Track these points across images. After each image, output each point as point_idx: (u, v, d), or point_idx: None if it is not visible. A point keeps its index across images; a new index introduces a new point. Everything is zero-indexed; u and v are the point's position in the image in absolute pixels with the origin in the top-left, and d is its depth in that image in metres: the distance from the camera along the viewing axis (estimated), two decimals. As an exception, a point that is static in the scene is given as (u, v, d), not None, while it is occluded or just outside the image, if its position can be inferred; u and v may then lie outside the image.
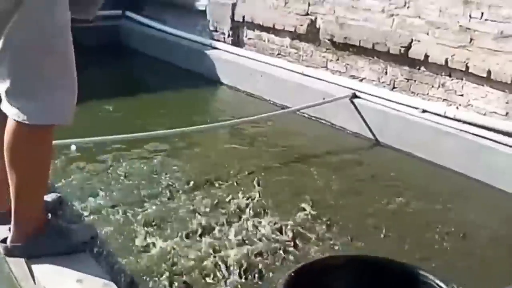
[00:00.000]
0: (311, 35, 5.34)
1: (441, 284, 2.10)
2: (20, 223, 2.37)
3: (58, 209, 2.70)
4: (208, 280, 2.74)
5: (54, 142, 2.40)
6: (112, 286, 2.28)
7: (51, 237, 2.42)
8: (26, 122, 2.21)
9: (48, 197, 2.66)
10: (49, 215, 2.49)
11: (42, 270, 2.39)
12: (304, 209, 3.41)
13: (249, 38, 6.10)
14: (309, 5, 5.33)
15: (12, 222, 2.37)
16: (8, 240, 2.40)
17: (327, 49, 5.26)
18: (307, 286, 2.05)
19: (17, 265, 2.46)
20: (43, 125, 2.25)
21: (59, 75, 2.25)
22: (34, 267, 2.38)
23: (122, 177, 3.75)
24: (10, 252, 2.42)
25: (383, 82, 4.80)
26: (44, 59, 2.20)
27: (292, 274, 2.06)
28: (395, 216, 3.44)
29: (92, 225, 2.63)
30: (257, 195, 3.56)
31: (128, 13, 7.59)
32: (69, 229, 2.51)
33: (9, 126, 2.25)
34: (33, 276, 2.38)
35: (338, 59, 5.18)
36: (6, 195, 2.40)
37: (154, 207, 3.38)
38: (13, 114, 2.23)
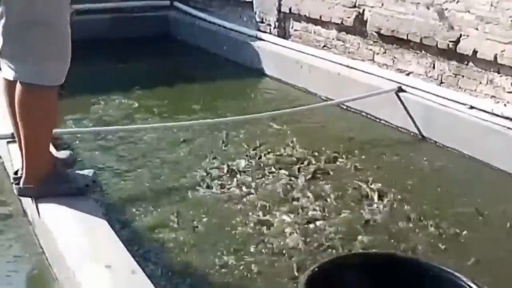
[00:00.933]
0: (358, 27, 5.29)
1: (472, 286, 2.04)
2: (29, 169, 2.75)
3: (70, 166, 3.06)
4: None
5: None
6: (140, 273, 2.31)
7: (58, 181, 2.81)
8: (21, 81, 2.64)
9: (62, 154, 3.11)
10: (56, 163, 2.87)
11: (73, 256, 2.46)
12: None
13: (295, 30, 6.08)
14: (357, -3, 5.29)
15: (24, 168, 2.78)
16: (21, 182, 2.80)
17: (374, 41, 5.20)
18: (330, 283, 2.01)
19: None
20: (36, 85, 2.63)
21: (48, 44, 2.62)
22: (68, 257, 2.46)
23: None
24: (22, 192, 2.85)
25: (430, 77, 4.72)
26: (34, 29, 2.59)
27: (315, 270, 2.03)
28: (436, 209, 3.40)
29: (93, 171, 3.01)
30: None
31: (176, 4, 7.64)
32: (73, 174, 2.92)
33: (17, 86, 2.67)
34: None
35: (385, 52, 5.12)
36: None
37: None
38: (10, 74, 2.67)
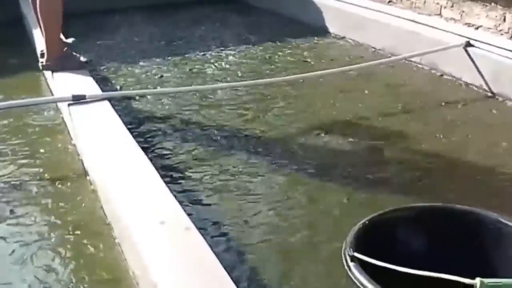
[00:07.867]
0: (425, -20, 5.09)
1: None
2: (50, 51, 4.15)
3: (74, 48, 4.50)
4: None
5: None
6: (194, 230, 2.30)
7: (67, 59, 4.23)
8: None
9: (68, 40, 4.51)
10: (66, 48, 4.30)
11: (124, 212, 2.50)
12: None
13: (360, -15, 5.92)
14: None
15: (46, 51, 4.16)
16: (44, 60, 4.20)
17: (441, -6, 5.00)
18: (380, 237, 1.92)
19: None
20: None
21: None
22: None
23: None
24: (45, 67, 4.22)
25: (500, 30, 4.50)
26: None
27: (365, 223, 1.95)
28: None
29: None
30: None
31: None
32: (74, 55, 4.33)
33: None
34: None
35: (452, 6, 4.91)
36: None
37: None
38: None
